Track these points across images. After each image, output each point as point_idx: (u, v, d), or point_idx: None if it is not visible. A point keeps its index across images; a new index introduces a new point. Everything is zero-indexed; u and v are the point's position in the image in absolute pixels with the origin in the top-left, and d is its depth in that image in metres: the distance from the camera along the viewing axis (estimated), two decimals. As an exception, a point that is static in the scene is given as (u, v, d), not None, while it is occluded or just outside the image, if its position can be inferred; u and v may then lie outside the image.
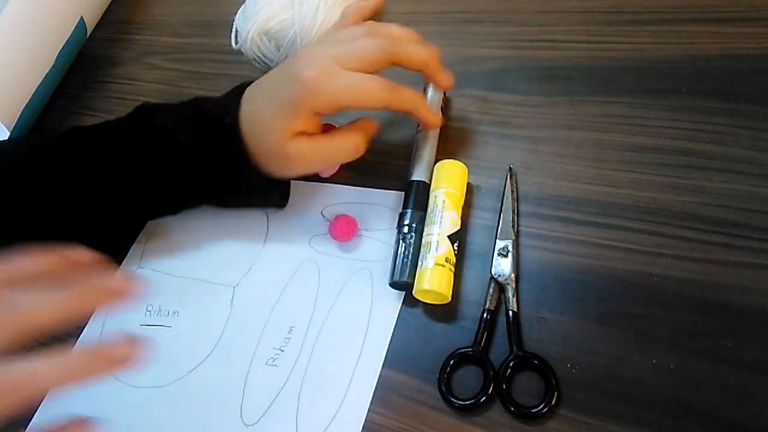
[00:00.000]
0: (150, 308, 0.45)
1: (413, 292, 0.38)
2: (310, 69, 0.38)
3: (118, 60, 0.66)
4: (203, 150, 0.41)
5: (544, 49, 0.47)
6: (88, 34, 0.68)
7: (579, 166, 0.41)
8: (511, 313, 0.36)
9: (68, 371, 0.28)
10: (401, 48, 0.40)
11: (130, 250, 0.49)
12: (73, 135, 0.46)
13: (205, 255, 0.47)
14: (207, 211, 0.48)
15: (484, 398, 0.34)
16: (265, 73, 0.42)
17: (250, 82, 0.43)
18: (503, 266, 0.38)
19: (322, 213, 0.45)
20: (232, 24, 0.53)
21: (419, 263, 0.38)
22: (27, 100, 0.58)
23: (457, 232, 0.39)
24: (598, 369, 0.34)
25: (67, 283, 0.30)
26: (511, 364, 0.35)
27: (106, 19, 0.71)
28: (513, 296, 0.37)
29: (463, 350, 0.36)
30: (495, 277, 0.38)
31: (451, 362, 0.36)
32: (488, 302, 0.37)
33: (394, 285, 0.39)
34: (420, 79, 0.43)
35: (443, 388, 0.35)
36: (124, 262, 0.48)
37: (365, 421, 0.36)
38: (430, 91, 0.45)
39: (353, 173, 0.46)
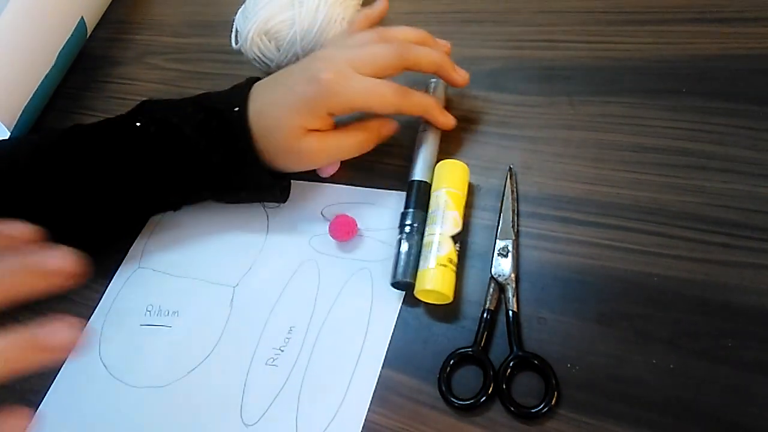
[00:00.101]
0: (150, 308, 0.45)
1: (414, 292, 0.38)
2: (327, 71, 0.39)
3: (118, 60, 0.66)
4: (208, 143, 0.42)
5: (544, 49, 0.47)
6: (89, 34, 0.68)
7: (579, 166, 0.41)
8: (511, 313, 0.36)
9: None
10: (412, 53, 0.41)
11: (130, 250, 0.49)
12: (75, 133, 0.46)
13: (205, 255, 0.47)
14: (207, 211, 0.48)
15: (484, 398, 0.34)
16: (265, 73, 0.43)
17: (256, 79, 0.44)
18: (503, 266, 0.38)
19: (322, 213, 0.45)
20: (232, 24, 0.53)
21: (421, 263, 0.38)
22: (27, 100, 0.58)
23: (459, 232, 0.39)
24: (598, 369, 0.34)
25: None
26: (511, 364, 0.35)
27: (106, 19, 0.71)
28: (513, 296, 0.37)
29: (463, 350, 0.36)
30: (495, 277, 0.38)
31: (451, 362, 0.36)
32: (488, 302, 0.37)
33: (396, 285, 0.39)
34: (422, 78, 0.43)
35: (443, 388, 0.35)
36: (124, 261, 0.49)
37: (365, 421, 0.36)
38: (431, 92, 0.45)
39: (353, 173, 0.46)
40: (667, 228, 0.37)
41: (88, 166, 0.44)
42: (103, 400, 0.42)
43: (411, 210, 0.40)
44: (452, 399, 0.35)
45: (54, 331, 0.25)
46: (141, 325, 0.45)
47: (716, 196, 0.37)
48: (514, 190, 0.41)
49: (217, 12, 0.64)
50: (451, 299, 0.37)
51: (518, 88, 0.46)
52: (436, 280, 0.37)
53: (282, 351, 0.40)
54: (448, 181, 0.40)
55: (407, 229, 0.40)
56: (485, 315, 0.37)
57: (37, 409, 0.43)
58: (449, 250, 0.38)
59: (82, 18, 0.65)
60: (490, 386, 0.34)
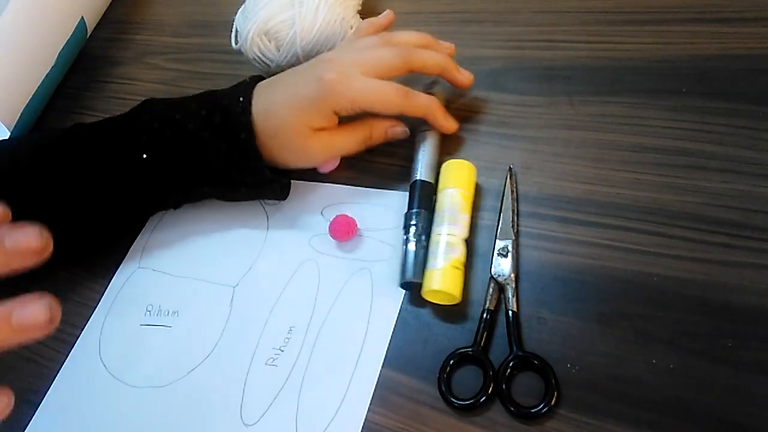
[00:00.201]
0: (150, 308, 0.45)
1: (422, 293, 0.38)
2: (331, 72, 0.40)
3: (118, 60, 0.66)
4: (210, 136, 0.42)
5: (544, 49, 0.47)
6: (89, 34, 0.68)
7: (579, 166, 0.41)
8: (510, 313, 0.36)
9: None
10: (416, 55, 0.42)
11: (130, 250, 0.49)
12: (76, 131, 0.46)
13: (205, 255, 0.47)
14: (207, 211, 0.48)
15: (483, 398, 0.34)
16: (266, 73, 0.43)
17: (259, 78, 0.45)
18: (503, 266, 0.38)
19: (322, 213, 0.45)
20: (232, 24, 0.53)
21: (429, 263, 0.38)
22: (27, 100, 0.58)
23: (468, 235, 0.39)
24: (598, 369, 0.34)
25: None
26: (510, 364, 0.35)
27: (106, 19, 0.71)
28: (513, 296, 0.37)
29: (463, 350, 0.36)
30: (495, 277, 0.38)
31: (451, 362, 0.36)
32: (488, 302, 0.37)
33: (404, 285, 0.39)
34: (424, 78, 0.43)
35: (443, 388, 0.35)
36: (124, 261, 0.49)
37: (365, 420, 0.36)
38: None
39: (353, 173, 0.46)
40: (667, 228, 0.37)
41: (89, 164, 0.44)
42: (103, 400, 0.42)
43: (416, 210, 0.40)
44: (452, 399, 0.35)
45: (29, 308, 0.25)
46: (141, 325, 0.45)
47: (716, 196, 0.37)
48: (514, 190, 0.41)
49: (217, 12, 0.64)
50: (459, 300, 0.37)
51: (518, 88, 0.46)
52: (447, 280, 0.37)
53: (282, 351, 0.40)
54: (458, 182, 0.40)
55: (414, 229, 0.40)
56: (485, 315, 0.37)
57: (37, 409, 0.43)
58: (462, 252, 0.38)
59: (82, 18, 0.65)
60: (490, 386, 0.34)
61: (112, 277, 0.48)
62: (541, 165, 0.42)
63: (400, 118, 0.44)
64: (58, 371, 0.44)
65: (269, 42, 0.50)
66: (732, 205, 0.36)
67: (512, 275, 0.37)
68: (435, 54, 0.43)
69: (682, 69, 0.42)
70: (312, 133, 0.42)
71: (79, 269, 0.49)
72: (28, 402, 0.43)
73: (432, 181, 0.42)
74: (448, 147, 0.45)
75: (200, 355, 0.42)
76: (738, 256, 0.35)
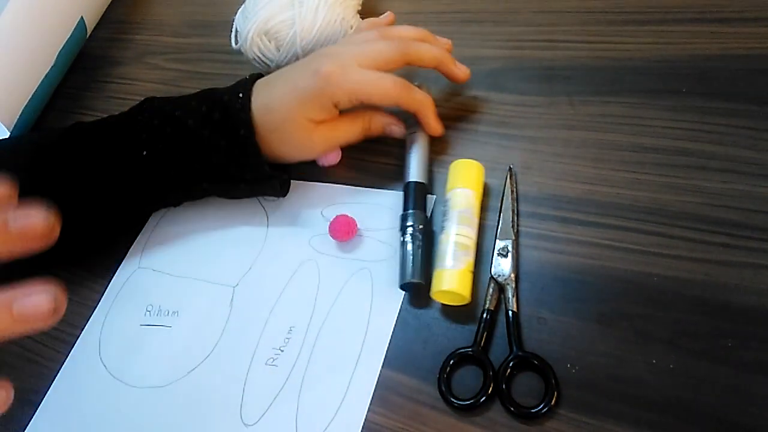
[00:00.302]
0: (150, 308, 0.45)
1: (431, 293, 0.38)
2: (329, 64, 0.41)
3: (118, 60, 0.66)
4: (210, 133, 0.42)
5: (544, 49, 0.47)
6: (88, 34, 0.68)
7: (579, 166, 0.41)
8: (510, 313, 0.36)
9: None
10: (413, 48, 0.43)
11: (130, 250, 0.49)
12: (76, 130, 0.46)
13: (204, 255, 0.47)
14: (207, 211, 0.48)
15: (483, 398, 0.34)
16: (266, 73, 0.43)
17: (259, 75, 0.45)
18: (503, 266, 0.38)
19: (322, 213, 0.45)
20: (232, 24, 0.53)
21: (437, 263, 0.38)
22: (27, 100, 0.58)
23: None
24: (598, 369, 0.34)
25: None
26: (510, 364, 0.35)
27: (106, 19, 0.71)
28: (513, 296, 0.37)
29: (462, 350, 0.36)
30: (495, 277, 0.38)
31: (451, 362, 0.36)
32: (488, 302, 0.37)
33: (404, 286, 0.39)
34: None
35: (443, 388, 0.35)
36: (124, 261, 0.49)
37: (365, 421, 0.36)
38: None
39: (353, 173, 0.46)
40: (667, 228, 0.37)
41: (89, 162, 0.44)
42: (103, 400, 0.42)
43: (411, 211, 0.40)
44: (452, 399, 0.35)
45: (32, 297, 0.25)
46: (141, 325, 0.45)
47: (716, 196, 0.37)
48: (514, 190, 0.41)
49: (217, 12, 0.64)
50: (468, 300, 0.37)
51: (518, 88, 0.46)
52: (459, 281, 0.37)
53: (282, 351, 0.40)
54: (469, 182, 0.40)
55: (411, 230, 0.40)
56: (485, 315, 0.37)
57: (37, 409, 0.43)
58: (473, 254, 0.38)
59: (82, 18, 0.65)
60: (489, 386, 0.34)
61: (112, 277, 0.48)
62: (541, 165, 0.42)
63: (396, 115, 0.44)
64: (58, 371, 0.44)
65: (269, 42, 0.50)
66: (732, 205, 0.36)
67: (512, 275, 0.37)
68: (432, 47, 0.44)
69: (682, 69, 0.42)
70: (312, 125, 0.42)
71: (79, 269, 0.49)
72: (28, 402, 0.43)
73: (425, 181, 0.42)
74: (448, 147, 0.45)
75: (200, 355, 0.42)
76: (738, 256, 0.35)
